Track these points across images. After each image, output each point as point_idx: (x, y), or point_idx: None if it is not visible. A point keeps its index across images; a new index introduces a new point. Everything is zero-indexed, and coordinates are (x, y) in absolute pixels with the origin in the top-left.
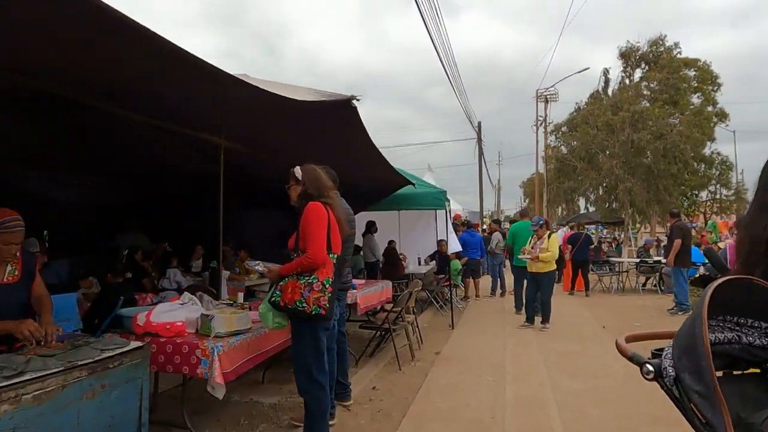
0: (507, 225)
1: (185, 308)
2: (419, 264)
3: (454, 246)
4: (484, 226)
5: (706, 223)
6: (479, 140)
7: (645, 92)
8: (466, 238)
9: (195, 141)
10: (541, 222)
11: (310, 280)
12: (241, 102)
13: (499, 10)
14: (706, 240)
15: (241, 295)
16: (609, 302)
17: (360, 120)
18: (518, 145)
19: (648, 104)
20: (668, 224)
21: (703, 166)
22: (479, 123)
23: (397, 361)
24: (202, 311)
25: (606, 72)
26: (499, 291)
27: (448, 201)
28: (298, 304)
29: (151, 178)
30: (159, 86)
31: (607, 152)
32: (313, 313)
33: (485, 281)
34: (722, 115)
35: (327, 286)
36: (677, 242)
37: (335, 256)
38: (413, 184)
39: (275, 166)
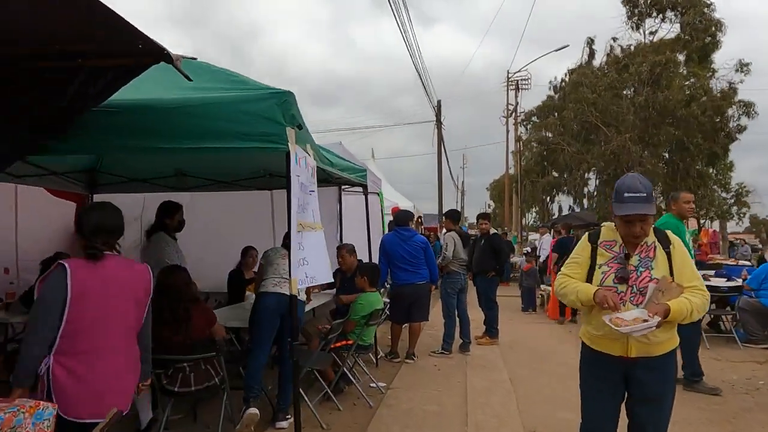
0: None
1: None
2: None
3: (319, 273)
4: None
5: (699, 230)
6: (438, 122)
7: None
8: (391, 244)
9: None
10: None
11: None
12: None
13: (467, 24)
14: (705, 250)
15: None
16: None
17: None
18: (484, 155)
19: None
20: None
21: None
22: (438, 102)
23: None
24: None
25: (591, 42)
26: (458, 341)
27: (362, 174)
28: None
29: None
30: None
31: (621, 119)
32: None
33: (435, 321)
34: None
35: None
36: None
37: None
38: (186, 77)
39: None
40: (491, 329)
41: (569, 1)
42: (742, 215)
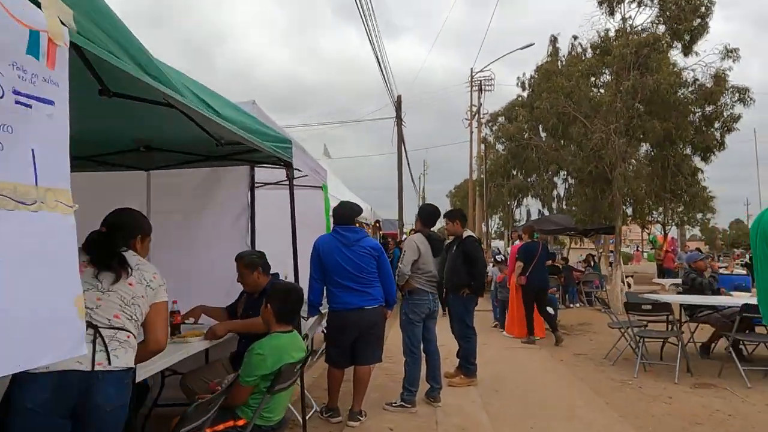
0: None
1: None
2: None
3: (21, 328)
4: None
5: (665, 236)
6: (398, 118)
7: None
8: (327, 251)
9: None
10: None
11: None
12: None
13: (429, 35)
14: (671, 257)
15: None
16: None
17: None
18: (445, 163)
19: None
20: None
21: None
22: (399, 97)
23: None
24: None
25: (554, 39)
26: (426, 386)
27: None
28: None
29: None
30: None
31: (606, 109)
32: None
33: (393, 352)
34: None
35: None
36: None
37: None
38: None
39: None
40: (467, 365)
41: (531, 10)
42: (707, 221)
